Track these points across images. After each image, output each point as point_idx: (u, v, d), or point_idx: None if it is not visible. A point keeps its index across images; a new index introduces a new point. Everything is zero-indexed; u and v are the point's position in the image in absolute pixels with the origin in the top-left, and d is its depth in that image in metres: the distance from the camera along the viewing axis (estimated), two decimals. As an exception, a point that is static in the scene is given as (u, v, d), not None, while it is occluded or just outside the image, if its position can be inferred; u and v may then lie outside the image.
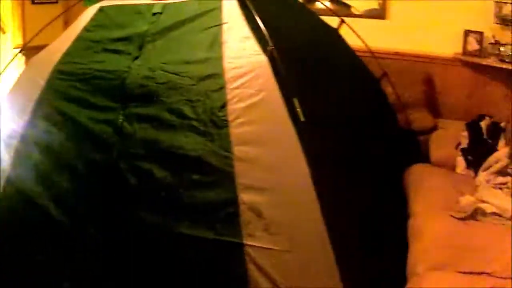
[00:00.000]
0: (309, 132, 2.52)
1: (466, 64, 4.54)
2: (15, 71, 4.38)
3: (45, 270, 2.62)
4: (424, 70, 4.69)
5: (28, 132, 2.84)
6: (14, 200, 2.75)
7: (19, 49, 3.97)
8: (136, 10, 3.06)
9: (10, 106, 3.00)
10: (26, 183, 2.73)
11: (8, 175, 2.78)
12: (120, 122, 2.64)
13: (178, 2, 3.02)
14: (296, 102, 2.53)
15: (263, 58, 2.64)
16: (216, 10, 2.86)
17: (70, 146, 2.73)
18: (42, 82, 2.93)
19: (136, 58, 2.80)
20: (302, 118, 2.51)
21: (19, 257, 2.67)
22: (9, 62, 3.81)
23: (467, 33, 4.45)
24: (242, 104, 2.55)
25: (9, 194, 2.76)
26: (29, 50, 3.74)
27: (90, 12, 3.19)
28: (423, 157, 3.83)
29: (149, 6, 3.02)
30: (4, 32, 4.98)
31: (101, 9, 3.18)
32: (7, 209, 2.75)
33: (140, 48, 2.83)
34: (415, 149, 4.00)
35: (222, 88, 2.59)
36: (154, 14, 2.95)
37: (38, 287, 2.63)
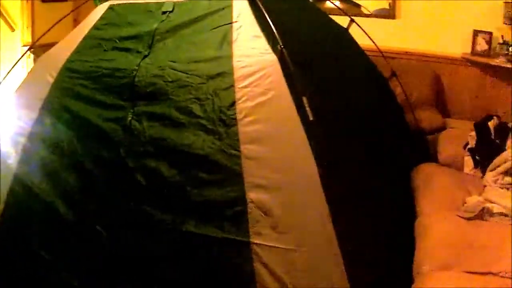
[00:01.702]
0: (318, 131, 2.51)
1: (475, 64, 4.54)
2: (24, 69, 4.41)
3: (51, 267, 2.62)
4: (432, 69, 4.70)
5: (36, 129, 2.84)
6: (21, 197, 2.75)
7: (28, 47, 3.95)
8: (146, 8, 3.04)
9: (18, 103, 3.00)
10: (33, 180, 2.73)
11: (15, 172, 2.79)
12: (129, 120, 2.64)
13: (189, 0, 3.00)
14: (305, 101, 2.52)
15: (272, 57, 2.63)
16: (226, 9, 2.84)
17: (78, 144, 2.72)
18: (51, 80, 2.92)
19: (146, 56, 2.79)
20: (311, 117, 2.50)
21: (26, 254, 2.67)
22: (18, 60, 3.81)
23: (476, 33, 4.46)
24: (251, 103, 2.54)
25: (17, 191, 2.77)
26: (38, 48, 3.74)
27: (100, 10, 3.18)
28: (431, 156, 3.83)
29: (159, 4, 3.01)
30: (13, 30, 4.97)
31: (111, 7, 3.16)
32: (14, 206, 2.76)
33: (150, 46, 2.82)
34: (423, 149, 4.00)
35: (231, 86, 2.57)
36: (164, 12, 2.94)
37: (44, 284, 2.64)
